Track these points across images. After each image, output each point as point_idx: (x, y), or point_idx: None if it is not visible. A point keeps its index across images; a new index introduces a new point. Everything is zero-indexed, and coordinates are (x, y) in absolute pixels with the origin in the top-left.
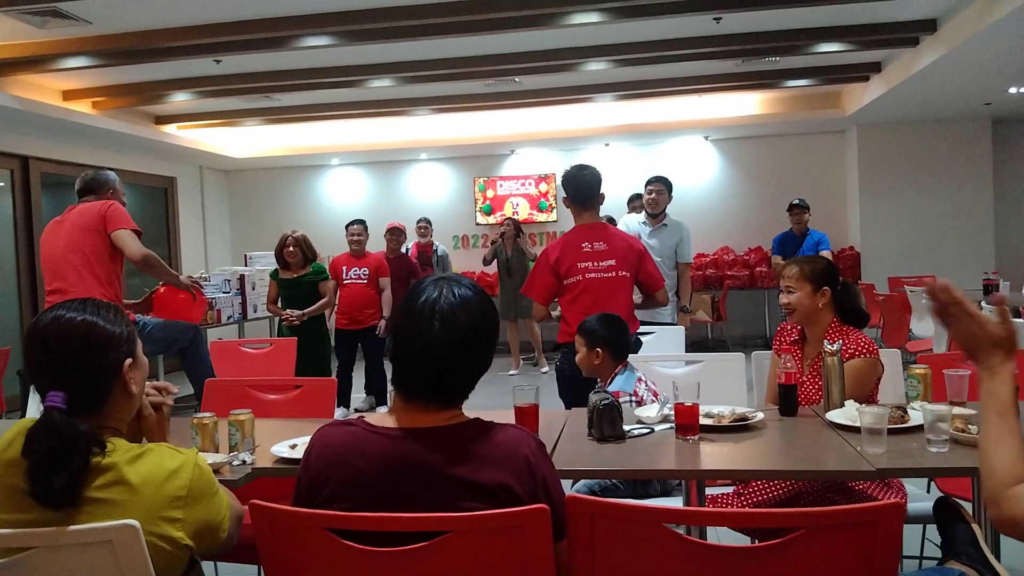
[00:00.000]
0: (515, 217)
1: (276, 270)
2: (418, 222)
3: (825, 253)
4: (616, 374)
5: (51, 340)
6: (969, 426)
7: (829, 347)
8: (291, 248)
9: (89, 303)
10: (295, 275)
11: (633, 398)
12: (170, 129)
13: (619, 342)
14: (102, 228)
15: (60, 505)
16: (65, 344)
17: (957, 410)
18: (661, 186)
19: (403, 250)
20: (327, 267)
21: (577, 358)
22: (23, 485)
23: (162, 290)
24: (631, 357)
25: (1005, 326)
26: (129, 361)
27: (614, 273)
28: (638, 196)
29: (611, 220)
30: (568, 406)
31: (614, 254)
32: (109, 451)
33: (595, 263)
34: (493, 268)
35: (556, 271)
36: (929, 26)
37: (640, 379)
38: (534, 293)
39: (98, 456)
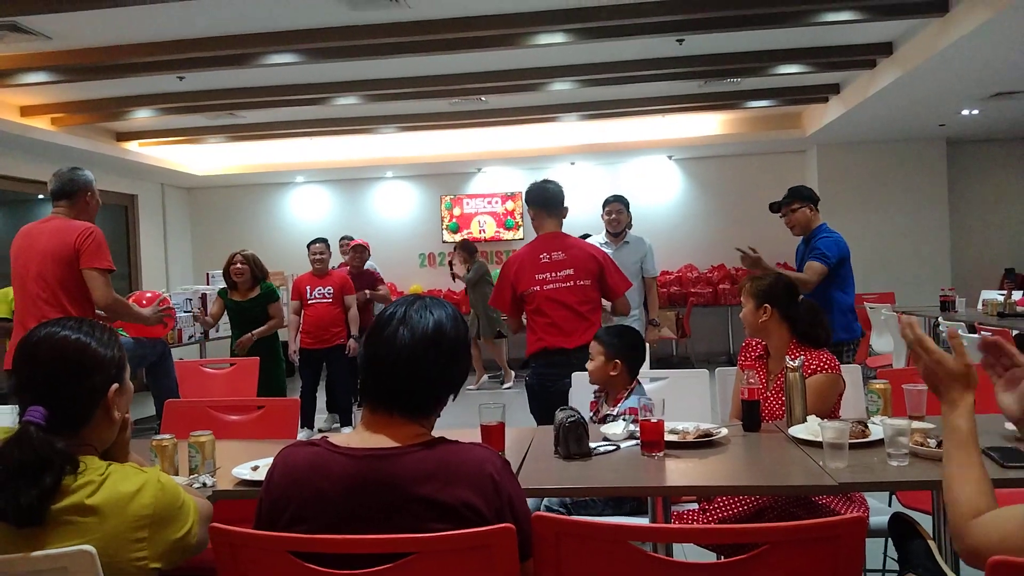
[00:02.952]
0: (466, 238)
1: (225, 289)
2: (345, 241)
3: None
4: (631, 391)
5: (42, 355)
6: (928, 439)
7: (791, 363)
8: (239, 266)
9: (85, 323)
10: (243, 297)
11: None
12: (131, 146)
13: (638, 357)
14: (75, 260)
15: (25, 523)
16: (56, 362)
17: (916, 424)
18: (620, 205)
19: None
20: (288, 288)
21: (590, 366)
22: None
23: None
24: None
25: (961, 360)
26: (116, 386)
27: (572, 283)
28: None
29: (586, 236)
30: (539, 421)
31: (572, 263)
32: (80, 471)
33: (552, 274)
34: (460, 286)
35: (514, 286)
36: (885, 49)
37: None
38: (503, 307)
39: (70, 477)
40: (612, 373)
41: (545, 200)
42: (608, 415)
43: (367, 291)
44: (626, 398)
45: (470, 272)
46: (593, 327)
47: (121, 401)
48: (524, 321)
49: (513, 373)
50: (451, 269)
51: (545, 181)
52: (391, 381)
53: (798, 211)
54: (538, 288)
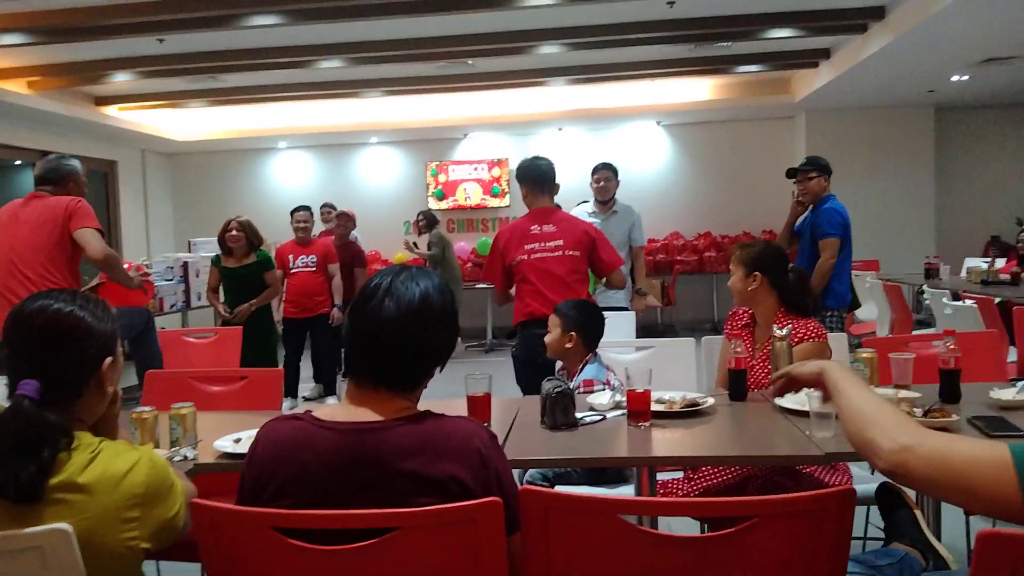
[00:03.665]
0: (429, 211)
1: (218, 256)
2: (326, 209)
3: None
4: (587, 362)
5: (35, 327)
6: (914, 408)
7: (779, 331)
8: (234, 232)
9: (79, 296)
10: (239, 263)
11: (607, 387)
12: (111, 111)
13: (594, 329)
14: (66, 225)
15: (24, 498)
16: (49, 334)
17: (903, 393)
18: (608, 172)
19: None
20: (272, 255)
21: (548, 338)
22: None
23: (107, 279)
24: None
25: (811, 367)
26: (109, 360)
27: (561, 252)
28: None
29: (584, 202)
30: (525, 391)
31: (562, 235)
32: (73, 445)
33: (541, 244)
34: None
35: (503, 256)
36: (877, 13)
37: (609, 368)
38: (491, 278)
39: (63, 452)
40: (567, 345)
41: (537, 178)
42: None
43: (356, 269)
44: (581, 370)
45: (432, 248)
46: (579, 297)
47: (113, 375)
48: (511, 294)
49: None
50: (408, 246)
51: (536, 158)
52: (376, 354)
53: (814, 180)
54: (525, 257)
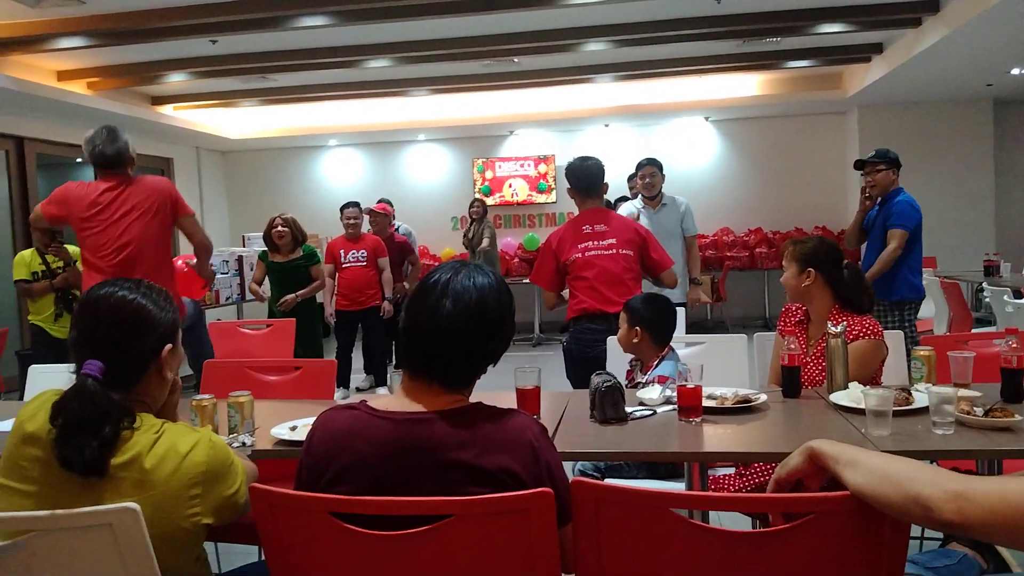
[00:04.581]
0: (482, 199)
1: (265, 252)
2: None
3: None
4: (663, 358)
5: (102, 312)
6: (975, 408)
7: (833, 329)
8: (279, 229)
9: (143, 285)
10: (285, 259)
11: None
12: (166, 110)
13: (662, 325)
14: (173, 210)
15: (89, 473)
16: (115, 319)
17: (962, 392)
18: (654, 168)
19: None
20: (322, 251)
21: (618, 334)
22: (46, 456)
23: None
24: None
25: (800, 462)
26: (169, 347)
27: (615, 251)
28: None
29: (610, 204)
30: (575, 385)
31: (615, 234)
32: (136, 426)
33: (596, 242)
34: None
35: (556, 255)
36: (932, 6)
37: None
38: (542, 281)
39: (127, 431)
40: (634, 340)
41: (586, 180)
42: (639, 383)
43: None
44: (656, 366)
45: (487, 242)
46: (633, 294)
47: (173, 362)
48: (564, 296)
49: None
50: (472, 242)
51: (584, 159)
52: (431, 351)
53: (882, 172)
54: (580, 255)
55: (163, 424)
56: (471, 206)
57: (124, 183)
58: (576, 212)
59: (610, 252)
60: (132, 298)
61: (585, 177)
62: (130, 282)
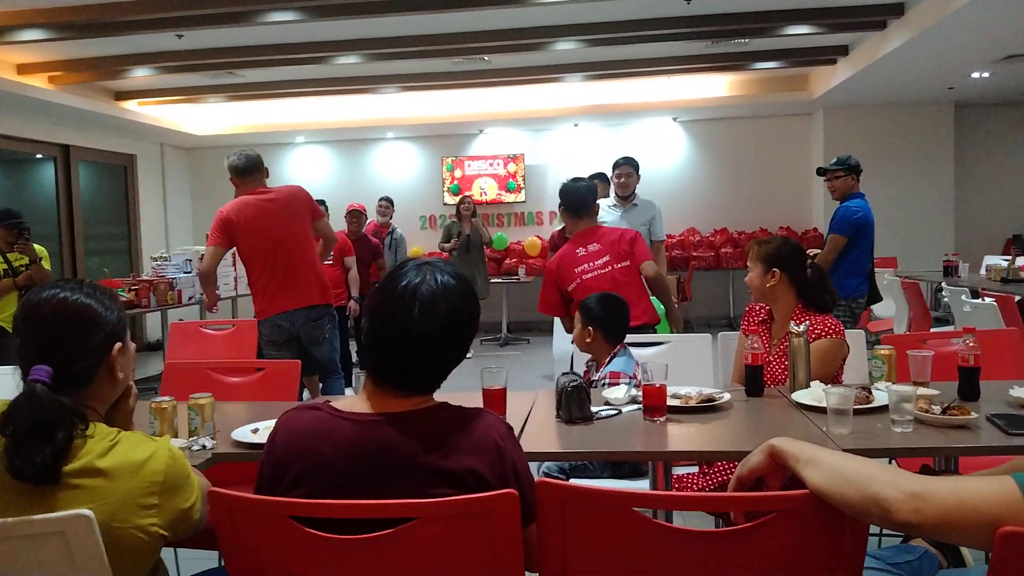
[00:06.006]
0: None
1: None
2: (379, 201)
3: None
4: (614, 355)
5: (44, 315)
6: (932, 406)
7: (795, 328)
8: None
9: (86, 285)
10: None
11: (633, 381)
12: (130, 105)
13: (613, 324)
14: (310, 213)
15: (42, 480)
16: (58, 320)
17: (921, 390)
18: (629, 168)
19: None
20: None
21: (573, 334)
22: None
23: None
24: None
25: (753, 461)
26: (119, 346)
27: (610, 268)
28: (601, 175)
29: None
30: None
31: (607, 251)
32: (89, 433)
33: (591, 264)
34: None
35: (559, 284)
36: (897, 10)
37: (638, 364)
38: (550, 310)
39: (79, 439)
40: (587, 340)
41: (576, 203)
42: (593, 381)
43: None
44: (608, 363)
45: (483, 235)
46: (636, 307)
47: (124, 361)
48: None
49: None
50: (470, 239)
51: (576, 180)
52: (397, 360)
53: (841, 179)
54: (579, 280)
55: (118, 433)
56: (461, 203)
57: (267, 191)
58: (561, 226)
59: (607, 270)
60: (75, 298)
61: (576, 198)
62: (73, 282)
